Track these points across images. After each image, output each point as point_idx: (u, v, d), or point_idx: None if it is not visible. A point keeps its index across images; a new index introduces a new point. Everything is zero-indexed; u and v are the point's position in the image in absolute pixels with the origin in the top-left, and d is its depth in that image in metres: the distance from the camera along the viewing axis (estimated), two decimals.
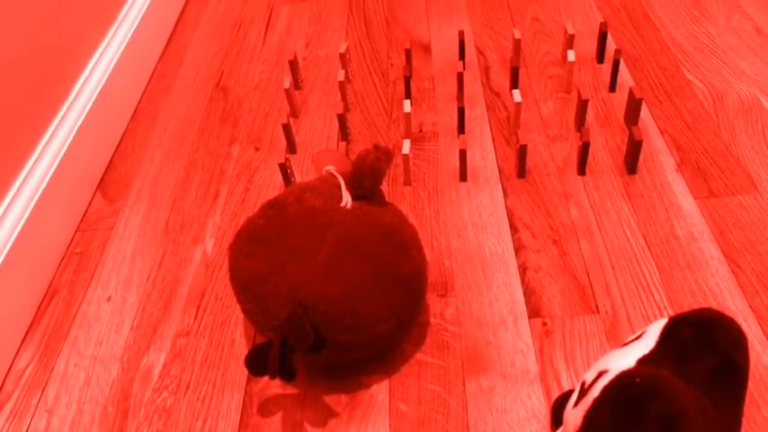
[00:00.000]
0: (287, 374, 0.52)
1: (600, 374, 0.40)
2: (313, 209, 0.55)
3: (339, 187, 0.56)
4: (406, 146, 0.74)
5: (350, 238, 0.53)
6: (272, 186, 0.80)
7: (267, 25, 1.11)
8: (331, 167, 0.58)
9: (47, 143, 0.75)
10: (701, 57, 0.90)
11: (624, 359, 0.40)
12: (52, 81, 0.78)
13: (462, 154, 0.74)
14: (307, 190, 0.57)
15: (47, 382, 0.62)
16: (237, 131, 0.89)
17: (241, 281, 0.56)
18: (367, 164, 0.54)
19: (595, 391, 0.38)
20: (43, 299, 0.70)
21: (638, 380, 0.36)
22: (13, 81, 0.70)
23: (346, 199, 0.55)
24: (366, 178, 0.54)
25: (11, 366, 0.64)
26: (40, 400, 0.61)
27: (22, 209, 0.69)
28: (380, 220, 0.55)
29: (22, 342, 0.66)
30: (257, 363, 0.54)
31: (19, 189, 0.70)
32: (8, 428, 0.59)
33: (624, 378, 0.37)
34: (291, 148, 0.84)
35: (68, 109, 0.80)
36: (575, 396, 0.42)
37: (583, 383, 0.41)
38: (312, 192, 0.56)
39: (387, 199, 0.60)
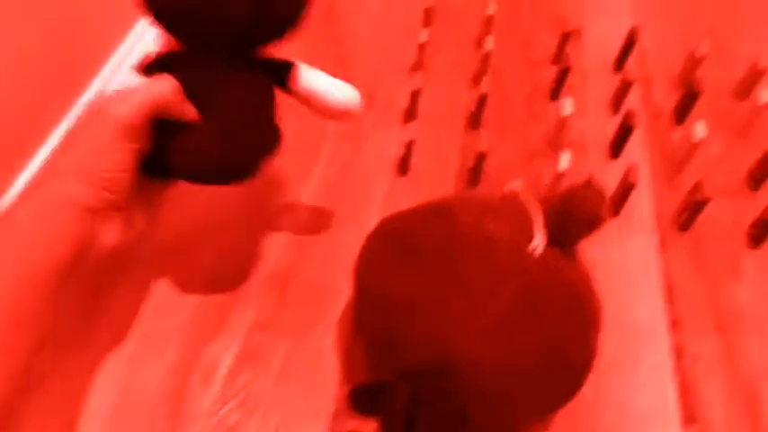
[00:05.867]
0: None
1: None
2: (495, 241, 0.42)
3: (530, 221, 0.43)
4: (564, 160, 0.61)
5: (534, 297, 0.41)
6: (385, 161, 0.66)
7: None
8: (518, 184, 0.45)
9: None
10: None
11: None
12: None
13: (627, 187, 0.61)
14: (489, 211, 0.43)
15: (85, 348, 0.50)
16: (347, 79, 0.74)
17: (375, 294, 0.44)
18: (586, 210, 0.41)
19: None
20: None
21: None
22: None
23: (538, 242, 0.42)
24: (579, 228, 0.41)
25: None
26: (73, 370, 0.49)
27: None
28: (570, 282, 0.43)
29: None
30: (366, 404, 0.43)
31: None
32: (37, 400, 0.47)
33: None
34: (412, 113, 0.70)
35: None
36: None
37: None
38: (495, 216, 0.43)
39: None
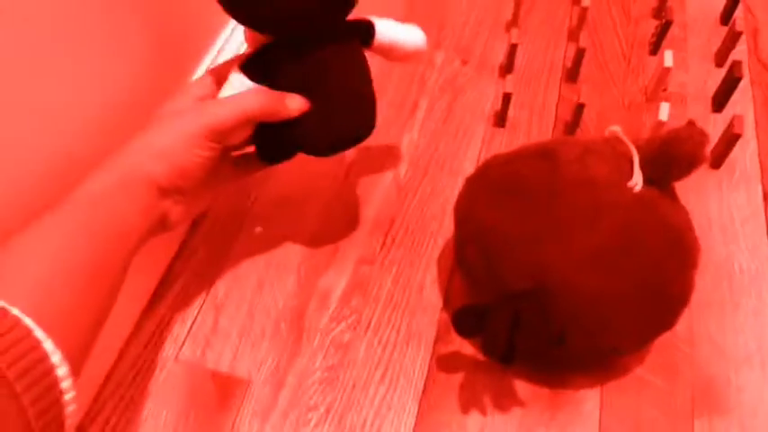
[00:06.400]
0: (507, 358, 0.45)
1: None
2: (595, 179, 0.44)
3: (630, 161, 0.44)
4: (665, 110, 0.61)
5: (631, 231, 0.43)
6: (480, 114, 0.69)
7: None
8: (617, 128, 0.47)
9: None
10: None
11: None
12: None
13: (732, 138, 0.60)
14: (591, 151, 0.45)
15: (217, 275, 0.57)
16: (443, 36, 0.77)
17: (476, 230, 0.47)
18: (687, 149, 0.42)
19: None
20: None
21: None
22: None
23: (637, 180, 0.44)
24: (679, 167, 0.43)
25: (180, 247, 0.58)
26: (209, 293, 0.56)
27: None
28: (670, 221, 0.44)
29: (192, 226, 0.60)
30: (469, 325, 0.47)
31: None
32: (172, 316, 0.54)
33: None
34: (507, 69, 0.72)
35: None
36: None
37: None
38: (597, 156, 0.45)
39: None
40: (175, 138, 0.42)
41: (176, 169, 0.41)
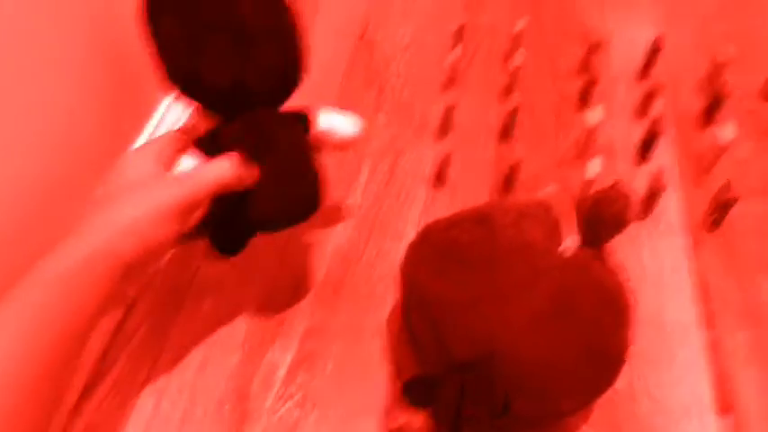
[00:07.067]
0: (454, 429, 0.45)
1: None
2: (530, 244, 0.45)
3: (562, 224, 0.46)
4: (594, 167, 0.64)
5: (567, 294, 0.44)
6: (421, 175, 0.70)
7: None
8: (551, 190, 0.49)
9: None
10: None
11: None
12: None
13: (657, 189, 0.63)
14: (526, 215, 0.47)
15: (158, 356, 0.55)
16: (383, 99, 0.79)
17: (420, 298, 0.48)
18: (613, 211, 0.44)
19: None
20: None
21: None
22: None
23: (570, 243, 0.45)
24: (607, 228, 0.44)
25: (118, 326, 0.57)
26: (149, 376, 0.54)
27: None
28: (603, 281, 0.46)
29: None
30: (418, 395, 0.47)
31: None
32: (110, 402, 0.52)
33: None
34: (444, 130, 0.74)
35: None
36: None
37: None
38: (532, 220, 0.47)
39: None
40: (146, 212, 0.40)
41: (144, 246, 0.40)
